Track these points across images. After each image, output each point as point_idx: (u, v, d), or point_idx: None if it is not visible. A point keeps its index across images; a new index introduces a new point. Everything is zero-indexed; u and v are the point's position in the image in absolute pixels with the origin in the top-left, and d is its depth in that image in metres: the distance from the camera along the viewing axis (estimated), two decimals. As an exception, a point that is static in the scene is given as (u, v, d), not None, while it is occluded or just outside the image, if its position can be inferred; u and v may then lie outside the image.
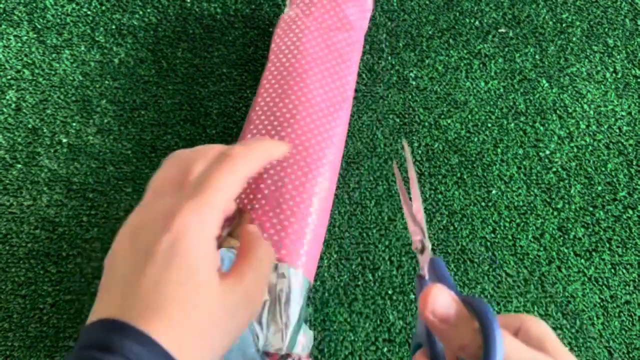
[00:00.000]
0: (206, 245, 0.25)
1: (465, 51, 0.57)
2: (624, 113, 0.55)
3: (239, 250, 0.28)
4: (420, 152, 0.52)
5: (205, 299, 0.24)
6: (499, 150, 0.53)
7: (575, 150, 0.53)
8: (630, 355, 0.47)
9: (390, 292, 0.47)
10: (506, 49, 0.57)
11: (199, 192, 0.25)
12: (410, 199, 0.31)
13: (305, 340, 0.37)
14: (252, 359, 0.34)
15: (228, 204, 0.27)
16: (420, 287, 0.28)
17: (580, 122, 0.55)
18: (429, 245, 0.29)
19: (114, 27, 0.55)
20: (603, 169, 0.53)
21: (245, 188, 0.40)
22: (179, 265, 0.24)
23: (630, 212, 0.51)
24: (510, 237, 0.50)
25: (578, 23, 0.59)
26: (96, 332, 0.22)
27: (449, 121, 0.54)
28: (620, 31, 0.59)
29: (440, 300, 0.24)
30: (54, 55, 0.54)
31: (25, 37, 0.54)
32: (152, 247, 0.24)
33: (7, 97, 0.52)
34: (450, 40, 0.57)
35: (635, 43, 0.59)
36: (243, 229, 0.29)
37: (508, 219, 0.50)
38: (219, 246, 0.33)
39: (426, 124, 0.54)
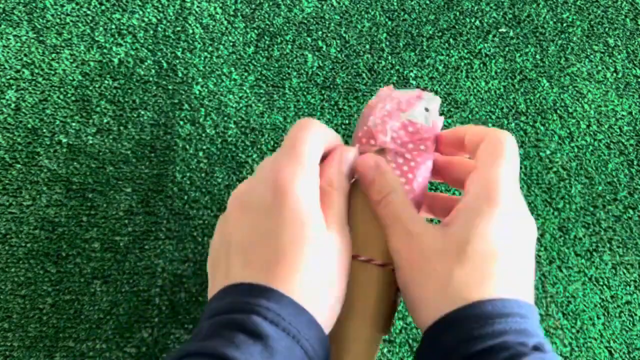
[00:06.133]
0: (309, 193, 0.26)
1: (465, 51, 0.57)
2: (624, 113, 0.55)
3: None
4: (420, 152, 0.52)
5: (316, 251, 0.25)
6: (499, 150, 0.53)
7: (575, 150, 0.53)
8: (631, 356, 0.47)
9: (390, 292, 0.47)
10: (506, 49, 0.57)
11: (288, 148, 0.27)
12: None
13: None
14: None
15: (318, 154, 0.28)
16: None
17: (581, 122, 0.55)
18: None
19: (113, 26, 0.55)
20: (604, 168, 0.53)
21: None
22: (288, 219, 0.25)
23: (631, 212, 0.51)
24: (510, 237, 0.50)
25: (579, 23, 0.59)
26: (229, 297, 0.24)
27: (449, 121, 0.54)
28: (621, 31, 0.59)
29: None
30: (53, 55, 0.54)
31: (25, 37, 0.54)
32: (260, 205, 0.25)
33: (7, 97, 0.52)
34: (451, 40, 0.57)
35: (636, 43, 0.58)
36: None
37: (508, 219, 0.50)
38: None
39: (426, 123, 0.54)
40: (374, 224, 0.29)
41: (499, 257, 0.24)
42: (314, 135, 0.28)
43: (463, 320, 0.24)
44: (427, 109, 0.33)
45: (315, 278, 0.24)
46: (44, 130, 0.51)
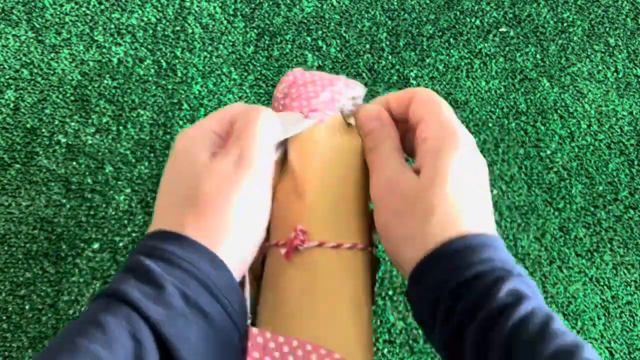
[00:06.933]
0: (196, 138, 0.27)
1: (465, 50, 0.57)
2: (625, 113, 0.55)
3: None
4: (420, 152, 0.52)
5: (192, 170, 0.26)
6: (500, 150, 0.53)
7: (576, 150, 0.53)
8: (632, 356, 0.47)
9: (390, 292, 0.47)
10: (507, 49, 0.57)
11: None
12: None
13: None
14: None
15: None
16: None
17: (582, 122, 0.54)
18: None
19: (112, 26, 0.55)
20: (604, 168, 0.53)
21: None
22: (176, 157, 0.27)
23: (632, 212, 0.51)
24: (511, 237, 0.49)
25: (579, 22, 0.59)
26: (143, 241, 0.26)
27: (449, 121, 0.54)
28: (621, 30, 0.59)
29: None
30: (52, 54, 0.53)
31: (24, 37, 0.54)
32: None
33: (6, 97, 0.52)
34: (451, 40, 0.57)
35: (637, 42, 0.58)
36: None
37: (509, 219, 0.50)
38: None
39: (427, 123, 0.53)
40: (349, 208, 0.29)
41: (468, 195, 0.26)
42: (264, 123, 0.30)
43: (448, 255, 0.25)
44: (354, 97, 0.34)
45: (205, 213, 0.25)
46: (43, 130, 0.51)
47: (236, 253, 0.25)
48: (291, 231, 0.28)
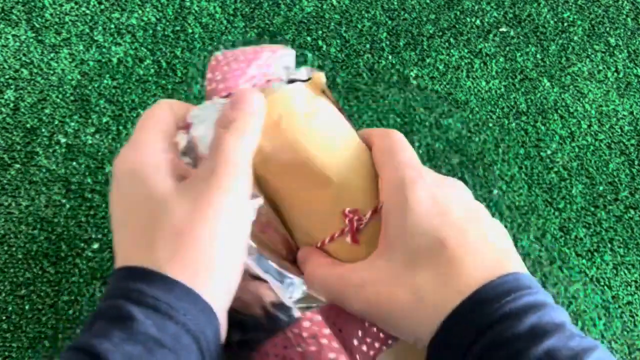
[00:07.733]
0: (153, 167, 0.25)
1: (466, 50, 0.57)
2: (625, 113, 0.55)
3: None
4: (421, 152, 0.52)
5: (155, 201, 0.23)
6: (500, 150, 0.53)
7: (576, 150, 0.53)
8: (632, 357, 0.47)
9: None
10: (507, 48, 0.57)
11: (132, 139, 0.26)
12: None
13: None
14: None
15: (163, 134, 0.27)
16: None
17: (582, 122, 0.54)
18: None
19: (112, 26, 0.55)
20: (605, 168, 0.53)
21: None
22: (132, 185, 0.24)
23: (632, 212, 0.51)
24: (511, 237, 0.49)
25: (579, 22, 0.59)
26: (122, 281, 0.22)
27: (449, 121, 0.54)
28: (622, 30, 0.59)
29: None
30: (52, 54, 0.53)
31: (24, 37, 0.54)
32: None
33: (5, 97, 0.51)
34: (451, 40, 0.57)
35: (637, 42, 0.58)
36: None
37: (509, 219, 0.50)
38: None
39: (427, 123, 0.53)
40: (363, 166, 0.28)
41: (450, 245, 0.24)
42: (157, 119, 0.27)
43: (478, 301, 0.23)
44: (287, 68, 0.32)
45: (179, 247, 0.22)
46: (43, 130, 0.51)
47: (221, 291, 0.22)
48: (338, 220, 0.26)
